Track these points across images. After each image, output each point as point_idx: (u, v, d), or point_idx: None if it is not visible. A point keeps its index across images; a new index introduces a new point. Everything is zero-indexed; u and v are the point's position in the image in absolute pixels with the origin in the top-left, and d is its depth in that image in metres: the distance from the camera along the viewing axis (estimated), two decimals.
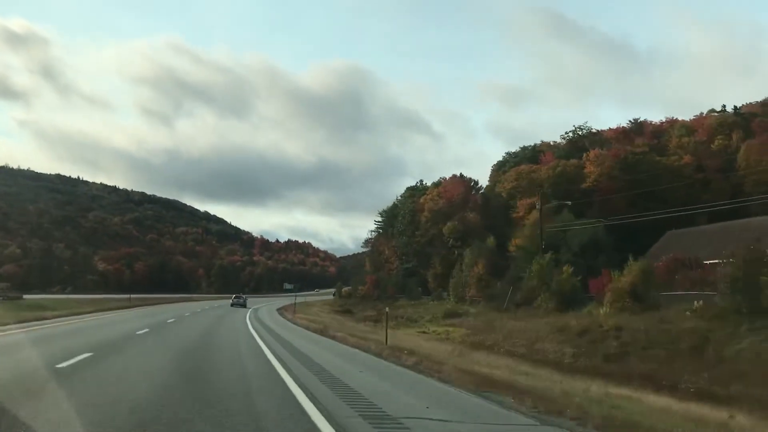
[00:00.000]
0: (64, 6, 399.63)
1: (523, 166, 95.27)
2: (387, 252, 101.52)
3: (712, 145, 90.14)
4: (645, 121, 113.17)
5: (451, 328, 42.15)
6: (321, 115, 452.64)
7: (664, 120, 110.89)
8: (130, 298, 53.60)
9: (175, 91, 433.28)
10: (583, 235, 64.35)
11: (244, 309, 52.42)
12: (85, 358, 13.41)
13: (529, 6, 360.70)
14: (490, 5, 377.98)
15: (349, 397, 9.49)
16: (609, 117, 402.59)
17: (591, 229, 65.36)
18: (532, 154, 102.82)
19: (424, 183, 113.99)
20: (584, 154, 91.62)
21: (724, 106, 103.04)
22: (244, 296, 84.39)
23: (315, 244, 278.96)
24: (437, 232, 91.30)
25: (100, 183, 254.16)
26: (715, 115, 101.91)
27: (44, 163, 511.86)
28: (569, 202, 58.39)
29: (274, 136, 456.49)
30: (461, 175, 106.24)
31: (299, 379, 11.38)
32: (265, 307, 77.81)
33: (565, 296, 44.31)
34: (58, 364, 11.98)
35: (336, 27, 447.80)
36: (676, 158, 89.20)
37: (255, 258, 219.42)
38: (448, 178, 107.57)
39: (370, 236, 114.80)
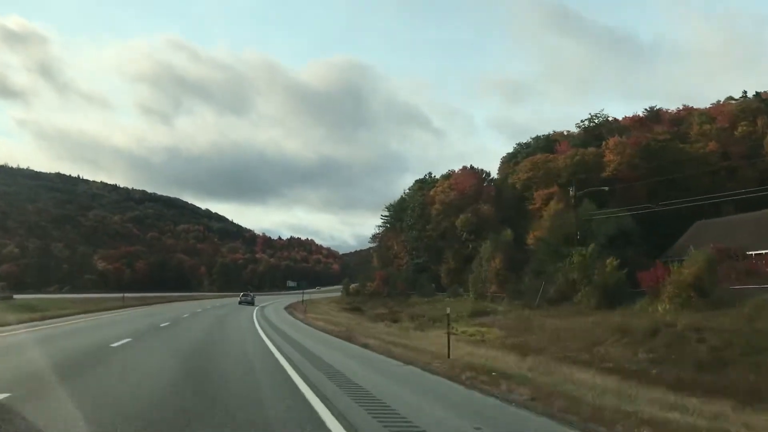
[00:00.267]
0: (63, 4, 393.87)
1: (538, 156, 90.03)
2: (396, 247, 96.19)
3: (735, 132, 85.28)
4: (661, 110, 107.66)
5: (483, 329, 36.83)
6: (321, 111, 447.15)
7: (681, 108, 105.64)
8: (123, 298, 48.35)
9: (175, 89, 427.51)
10: (610, 226, 59.18)
11: (250, 309, 47.06)
12: None
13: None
14: None
15: None
16: (613, 110, 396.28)
17: (618, 220, 60.33)
18: (546, 144, 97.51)
19: (432, 176, 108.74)
20: (603, 143, 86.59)
21: (745, 92, 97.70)
22: (251, 294, 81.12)
23: (317, 241, 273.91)
24: (449, 226, 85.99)
25: (101, 182, 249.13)
26: (735, 102, 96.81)
27: (44, 163, 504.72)
28: (606, 188, 52.90)
29: (274, 134, 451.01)
30: (471, 167, 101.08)
31: None
32: (271, 305, 72.60)
33: (609, 291, 39.05)
34: None
35: (335, 22, 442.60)
36: (700, 145, 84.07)
37: (257, 256, 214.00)
38: (457, 170, 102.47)
39: (377, 231, 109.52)
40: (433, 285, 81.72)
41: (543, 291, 46.77)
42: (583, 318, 36.40)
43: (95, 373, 11.57)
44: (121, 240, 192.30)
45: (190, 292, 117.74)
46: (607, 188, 53.55)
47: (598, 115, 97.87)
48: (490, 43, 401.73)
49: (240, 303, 67.47)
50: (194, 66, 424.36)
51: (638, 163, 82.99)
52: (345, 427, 6.90)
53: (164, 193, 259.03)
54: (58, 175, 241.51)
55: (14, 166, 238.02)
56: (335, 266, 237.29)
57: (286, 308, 61.23)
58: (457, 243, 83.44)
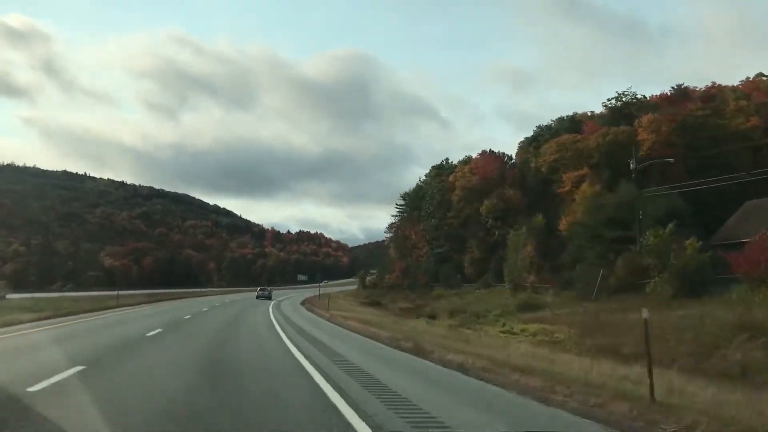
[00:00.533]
0: (63, 0, 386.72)
1: (565, 136, 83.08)
2: (414, 237, 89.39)
3: None
4: (688, 88, 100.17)
5: (545, 326, 30.05)
6: (326, 104, 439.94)
7: (710, 84, 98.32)
8: (117, 296, 41.92)
9: (179, 85, 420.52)
10: (659, 206, 52.43)
11: (264, 308, 40.07)
12: None
13: None
14: None
15: None
16: None
17: (667, 200, 53.71)
18: (570, 125, 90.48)
19: (450, 161, 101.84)
20: (636, 120, 79.68)
21: None
22: (269, 288, 79.21)
23: (326, 235, 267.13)
24: (472, 212, 79.18)
25: (108, 179, 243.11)
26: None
27: (50, 161, 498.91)
28: (671, 159, 46.11)
29: (279, 128, 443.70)
30: (491, 151, 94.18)
31: None
32: (287, 300, 66.20)
33: (690, 278, 32.25)
34: None
35: (339, 14, 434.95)
36: (740, 121, 77.05)
37: (266, 250, 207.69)
38: (476, 155, 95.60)
39: (393, 221, 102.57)
40: (459, 276, 74.97)
41: (600, 280, 39.88)
42: (666, 311, 29.54)
43: None
44: (129, 236, 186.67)
45: (199, 288, 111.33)
46: (672, 160, 46.28)
47: (626, 93, 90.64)
48: (497, 32, 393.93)
49: (258, 297, 68.43)
50: (198, 61, 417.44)
51: (675, 141, 76.22)
52: None
53: (172, 189, 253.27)
54: (65, 172, 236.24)
55: (20, 164, 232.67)
56: (345, 259, 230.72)
57: (303, 304, 54.79)
58: (482, 230, 76.71)
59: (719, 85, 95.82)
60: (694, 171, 65.97)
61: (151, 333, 17.52)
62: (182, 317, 26.01)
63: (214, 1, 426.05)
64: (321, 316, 33.85)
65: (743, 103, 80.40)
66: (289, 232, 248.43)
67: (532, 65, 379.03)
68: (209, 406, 7.41)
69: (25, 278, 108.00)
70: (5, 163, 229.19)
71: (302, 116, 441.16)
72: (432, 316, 40.13)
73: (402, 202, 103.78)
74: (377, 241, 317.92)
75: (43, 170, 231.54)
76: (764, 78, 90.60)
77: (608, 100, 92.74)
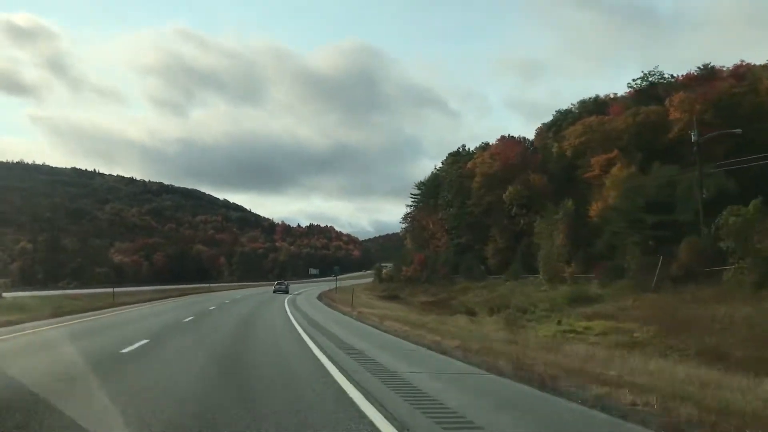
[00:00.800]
0: None
1: (592, 118, 77.61)
2: (432, 227, 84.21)
3: None
4: (714, 67, 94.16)
5: (615, 324, 24.92)
6: (333, 97, 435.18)
7: (739, 63, 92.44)
8: (113, 294, 37.15)
9: (186, 80, 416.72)
10: (708, 188, 47.32)
11: (279, 306, 34.62)
12: None
13: None
14: None
15: None
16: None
17: (715, 181, 48.55)
18: (594, 108, 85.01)
19: (467, 148, 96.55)
20: (667, 100, 74.18)
21: None
22: (286, 282, 77.87)
23: (337, 228, 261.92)
24: (494, 200, 73.93)
25: (117, 175, 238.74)
26: None
27: (60, 158, 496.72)
28: (739, 130, 40.84)
29: (287, 121, 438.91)
30: (510, 136, 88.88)
31: None
32: (302, 295, 61.30)
33: None
34: None
35: (343, 5, 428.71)
36: None
37: (277, 244, 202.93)
38: (494, 141, 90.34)
39: (409, 211, 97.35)
40: (483, 267, 69.86)
41: (660, 268, 34.71)
42: (756, 303, 24.41)
43: None
44: (139, 233, 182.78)
45: (210, 283, 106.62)
46: (740, 131, 40.97)
47: (653, 72, 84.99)
48: (505, 21, 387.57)
49: (275, 291, 67.84)
50: (204, 55, 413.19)
51: (710, 120, 70.78)
52: None
53: (181, 185, 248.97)
54: (74, 169, 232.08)
55: (29, 162, 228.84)
56: (356, 252, 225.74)
57: (320, 299, 49.89)
58: (505, 219, 71.49)
59: (748, 63, 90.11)
60: (732, 151, 60.98)
61: (126, 349, 12.49)
62: (181, 320, 21.04)
63: None
64: (346, 314, 28.92)
65: None
66: (299, 225, 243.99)
67: (541, 54, 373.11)
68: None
69: (32, 276, 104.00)
70: (14, 161, 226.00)
71: (310, 109, 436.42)
72: (471, 312, 35.06)
73: (417, 192, 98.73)
74: (387, 234, 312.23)
75: (52, 167, 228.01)
76: None
77: (633, 80, 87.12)
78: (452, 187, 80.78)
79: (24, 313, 24.39)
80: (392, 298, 68.69)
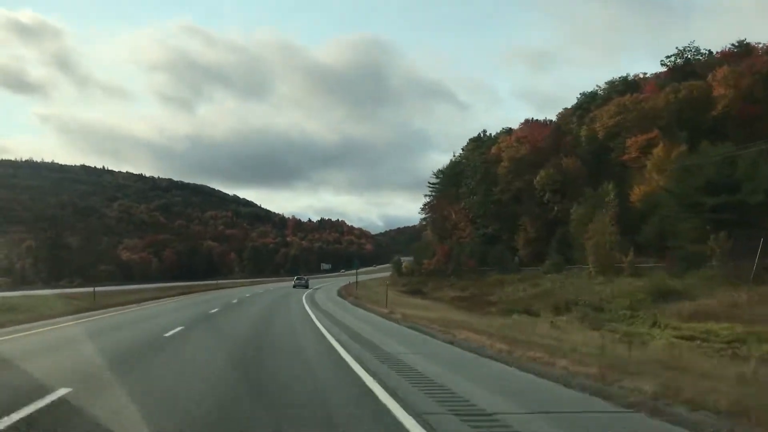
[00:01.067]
0: None
1: (626, 97, 70.90)
2: (454, 216, 77.65)
3: None
4: (749, 44, 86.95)
5: (755, 328, 18.46)
6: (341, 91, 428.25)
7: None
8: (94, 293, 30.97)
9: (192, 76, 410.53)
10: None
11: (299, 307, 27.69)
12: None
13: None
14: None
15: None
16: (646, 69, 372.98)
17: None
18: (624, 88, 78.24)
19: (488, 133, 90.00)
20: (710, 75, 67.46)
21: None
22: (305, 277, 74.58)
23: (348, 222, 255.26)
24: (524, 186, 67.44)
25: (126, 172, 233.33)
26: None
27: (68, 156, 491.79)
28: None
29: (295, 116, 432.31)
30: (535, 119, 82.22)
31: None
32: (320, 291, 55.03)
33: None
34: None
35: None
36: None
37: (288, 239, 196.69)
38: (518, 125, 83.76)
39: (428, 200, 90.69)
40: (517, 259, 63.40)
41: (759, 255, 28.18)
42: None
43: None
44: (148, 229, 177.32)
45: (220, 279, 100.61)
46: None
47: (689, 48, 78.06)
48: (513, 11, 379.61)
49: (295, 286, 64.80)
50: (210, 51, 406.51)
51: (759, 96, 64.17)
52: None
53: (190, 181, 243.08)
54: (83, 167, 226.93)
55: (38, 160, 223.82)
56: (369, 246, 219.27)
57: (341, 296, 43.68)
58: (537, 206, 64.94)
59: None
60: None
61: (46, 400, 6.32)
62: (160, 335, 14.47)
63: None
64: (384, 316, 22.58)
65: None
66: (310, 220, 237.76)
67: (550, 44, 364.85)
68: None
69: (34, 275, 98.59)
70: (23, 159, 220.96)
71: (317, 104, 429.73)
72: (529, 312, 28.65)
73: (435, 181, 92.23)
74: (398, 228, 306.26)
75: (61, 165, 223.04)
76: None
77: (667, 57, 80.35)
78: (476, 173, 74.25)
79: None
80: (414, 293, 62.39)
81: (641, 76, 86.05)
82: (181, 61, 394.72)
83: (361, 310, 26.63)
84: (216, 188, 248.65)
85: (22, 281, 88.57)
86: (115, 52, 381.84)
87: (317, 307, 29.10)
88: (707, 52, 78.29)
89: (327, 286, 71.91)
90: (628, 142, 65.56)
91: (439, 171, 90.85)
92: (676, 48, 78.80)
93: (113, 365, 9.27)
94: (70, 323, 18.09)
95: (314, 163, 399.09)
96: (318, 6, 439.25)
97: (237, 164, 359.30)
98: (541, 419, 6.20)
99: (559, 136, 70.27)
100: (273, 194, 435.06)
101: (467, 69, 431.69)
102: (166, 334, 14.17)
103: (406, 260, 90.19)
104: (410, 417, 6.03)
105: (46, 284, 79.76)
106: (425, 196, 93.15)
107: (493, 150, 77.25)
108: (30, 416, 5.83)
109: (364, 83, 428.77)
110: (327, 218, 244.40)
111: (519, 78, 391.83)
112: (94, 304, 26.40)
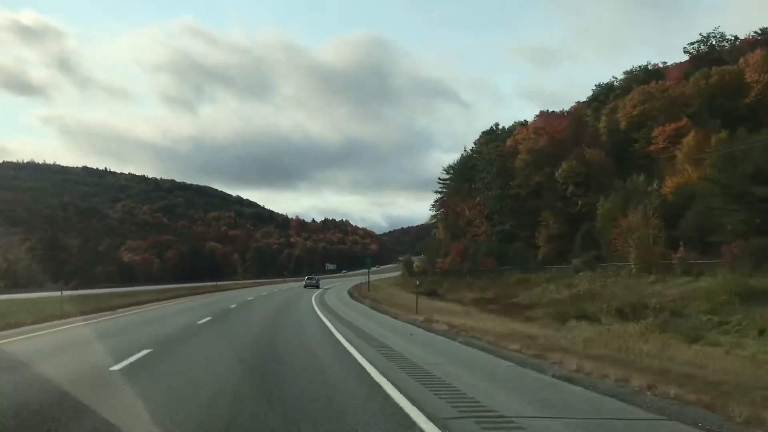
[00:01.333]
0: None
1: (651, 84, 65.70)
2: (468, 213, 72.42)
3: None
4: None
5: None
6: (343, 91, 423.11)
7: None
8: (61, 295, 25.99)
9: (195, 76, 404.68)
10: None
11: (308, 312, 22.08)
12: None
13: None
14: None
15: None
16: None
17: None
18: (645, 78, 73.09)
19: (501, 126, 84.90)
20: (741, 60, 62.46)
21: None
22: (316, 277, 72.75)
23: (352, 222, 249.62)
24: (544, 179, 62.26)
25: (129, 173, 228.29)
26: None
27: (71, 158, 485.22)
28: None
29: (297, 116, 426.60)
30: (550, 111, 77.08)
31: None
32: (330, 292, 49.75)
33: None
34: None
35: None
36: None
37: (292, 239, 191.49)
38: (533, 117, 78.60)
39: (438, 197, 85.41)
40: (539, 257, 58.21)
41: None
42: None
43: None
44: (151, 230, 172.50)
45: (223, 280, 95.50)
46: None
47: (713, 34, 72.96)
48: (515, 9, 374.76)
49: (305, 286, 62.79)
50: (212, 51, 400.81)
51: None
52: None
53: (193, 182, 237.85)
54: (85, 168, 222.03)
55: (40, 162, 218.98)
56: (373, 246, 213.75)
57: (354, 298, 38.59)
58: (559, 200, 59.77)
59: None
60: None
61: None
62: (110, 366, 9.28)
63: None
64: (419, 325, 17.45)
65: None
66: (314, 221, 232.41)
67: (554, 41, 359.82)
68: None
69: (31, 276, 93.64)
70: (25, 161, 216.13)
71: (320, 104, 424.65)
72: (586, 317, 23.51)
73: (446, 177, 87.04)
74: (402, 228, 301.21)
75: (63, 167, 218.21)
76: None
77: (690, 44, 75.31)
78: (492, 166, 69.03)
79: None
80: (430, 294, 57.25)
81: (660, 65, 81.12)
82: (184, 62, 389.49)
83: (387, 318, 21.30)
84: (219, 189, 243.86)
85: (14, 284, 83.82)
86: (116, 52, 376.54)
87: (330, 311, 23.92)
88: (733, 38, 73.32)
89: (336, 286, 66.82)
90: (655, 131, 60.52)
91: (450, 167, 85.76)
92: (700, 34, 73.78)
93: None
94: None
95: (317, 163, 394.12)
96: (320, 6, 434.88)
97: (240, 165, 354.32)
98: None
99: (580, 127, 65.01)
100: (276, 195, 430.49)
101: (470, 67, 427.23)
102: (115, 367, 8.98)
103: (416, 259, 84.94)
104: None
105: (41, 287, 74.88)
106: (435, 192, 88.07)
107: (509, 142, 72.15)
108: None
109: (367, 83, 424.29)
110: (331, 218, 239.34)
111: (523, 76, 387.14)
112: (64, 311, 21.25)
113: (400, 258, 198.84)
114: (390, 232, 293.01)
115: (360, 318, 21.27)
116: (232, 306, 28.42)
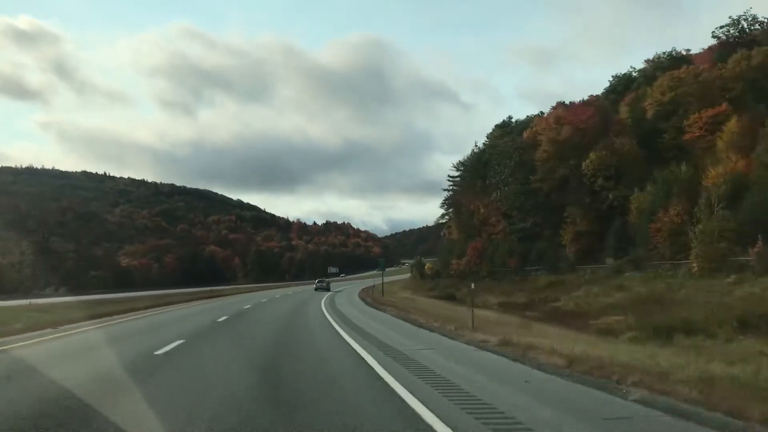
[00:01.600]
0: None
1: (682, 69, 59.66)
2: (483, 211, 66.36)
3: None
4: None
5: None
6: (343, 93, 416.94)
7: None
8: (29, 304, 20.14)
9: (193, 80, 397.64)
10: None
11: (324, 328, 16.01)
12: None
13: None
14: None
15: None
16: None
17: None
18: (671, 65, 67.19)
19: (512, 119, 79.03)
20: None
21: None
22: (327, 280, 70.47)
23: (354, 225, 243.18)
24: (569, 173, 56.29)
25: (128, 177, 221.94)
26: None
27: (70, 163, 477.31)
28: None
29: (297, 120, 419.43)
30: (568, 103, 71.25)
31: None
32: (340, 297, 43.47)
33: None
34: None
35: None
36: None
37: (294, 243, 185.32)
38: (549, 109, 72.78)
39: (447, 195, 79.37)
40: (571, 257, 52.12)
41: None
42: None
43: None
44: (150, 235, 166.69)
45: (220, 285, 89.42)
46: None
47: (744, 16, 67.00)
48: (515, 9, 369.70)
49: (316, 289, 60.25)
50: (210, 55, 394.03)
51: None
52: None
53: (193, 186, 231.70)
54: (84, 173, 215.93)
55: (39, 167, 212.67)
56: (376, 249, 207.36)
57: (370, 305, 32.52)
58: (587, 195, 53.76)
59: None
60: None
61: None
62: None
63: None
64: (490, 348, 11.22)
65: None
66: (315, 223, 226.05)
67: (554, 41, 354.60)
68: None
69: (19, 282, 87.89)
70: (23, 167, 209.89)
71: (319, 106, 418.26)
72: (696, 330, 17.52)
73: (456, 174, 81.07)
74: (404, 231, 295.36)
75: (62, 172, 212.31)
76: None
77: (719, 27, 69.27)
78: (509, 160, 63.02)
79: None
80: (448, 298, 51.23)
81: (684, 52, 75.26)
82: (182, 66, 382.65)
83: (439, 338, 14.86)
84: (219, 193, 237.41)
85: (15, 290, 78.05)
86: (114, 57, 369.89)
87: (352, 326, 17.81)
88: (767, 20, 67.37)
89: (345, 289, 60.74)
90: (690, 119, 54.61)
91: (460, 163, 79.78)
92: (730, 17, 67.77)
93: None
94: None
95: (317, 167, 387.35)
96: (319, 8, 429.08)
97: (240, 169, 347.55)
98: None
99: (607, 116, 58.98)
100: (276, 199, 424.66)
101: (470, 69, 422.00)
102: None
103: (427, 261, 78.75)
104: None
105: (26, 294, 68.87)
106: (444, 190, 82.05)
107: (526, 134, 66.17)
108: None
109: (367, 85, 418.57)
110: (333, 222, 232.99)
111: (523, 77, 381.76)
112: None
113: (403, 261, 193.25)
114: (392, 235, 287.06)
115: (401, 339, 14.81)
116: (220, 319, 21.64)
